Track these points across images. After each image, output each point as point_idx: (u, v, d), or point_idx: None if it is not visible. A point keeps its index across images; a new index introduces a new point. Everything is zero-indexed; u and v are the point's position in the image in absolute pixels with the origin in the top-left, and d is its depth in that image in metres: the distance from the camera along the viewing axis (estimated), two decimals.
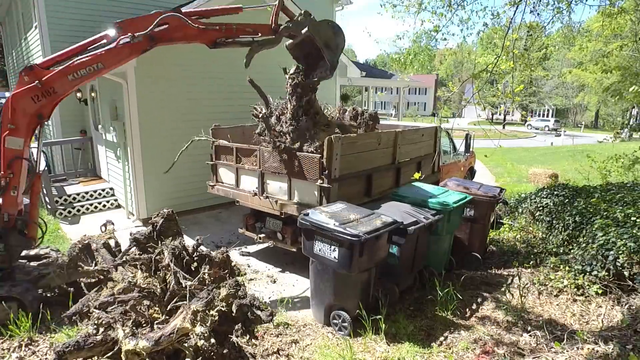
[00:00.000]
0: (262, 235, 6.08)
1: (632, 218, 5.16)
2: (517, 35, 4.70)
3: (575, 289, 4.84)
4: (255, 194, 5.83)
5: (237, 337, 3.38)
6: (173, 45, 6.71)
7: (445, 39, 5.56)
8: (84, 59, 4.18)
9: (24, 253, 4.78)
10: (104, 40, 4.38)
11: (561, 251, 5.83)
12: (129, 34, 4.27)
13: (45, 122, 4.37)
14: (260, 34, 4.94)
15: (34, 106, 4.09)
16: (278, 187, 5.61)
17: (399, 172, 6.41)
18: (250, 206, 6.10)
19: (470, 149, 10.91)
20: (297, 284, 5.59)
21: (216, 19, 4.89)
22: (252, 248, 6.83)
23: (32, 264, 4.73)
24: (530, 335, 4.07)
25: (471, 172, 11.45)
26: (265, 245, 6.91)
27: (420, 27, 5.56)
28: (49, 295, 4.75)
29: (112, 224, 5.76)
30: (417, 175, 4.92)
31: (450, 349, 3.98)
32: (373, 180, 5.82)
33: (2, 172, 4.12)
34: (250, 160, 5.88)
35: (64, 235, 7.26)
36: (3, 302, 4.13)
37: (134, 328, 3.20)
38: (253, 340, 3.79)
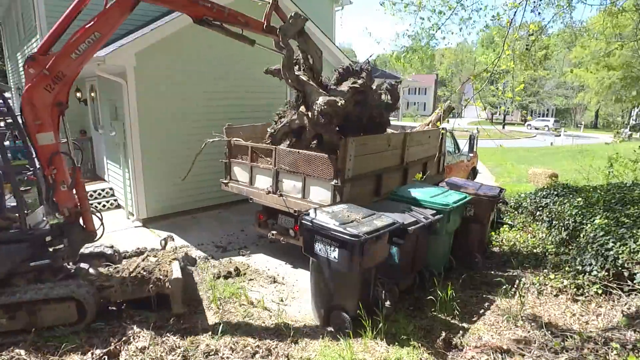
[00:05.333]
0: (274, 232, 6.20)
1: (632, 218, 5.16)
2: (518, 35, 4.69)
3: (575, 289, 4.84)
4: (269, 192, 5.95)
5: None
6: (172, 43, 6.63)
7: (444, 38, 5.67)
8: (79, 34, 4.05)
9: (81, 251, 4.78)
10: (85, 3, 4.18)
11: (561, 251, 5.84)
12: None
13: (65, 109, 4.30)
14: (250, 28, 4.87)
15: (50, 96, 4.00)
16: (292, 185, 5.75)
17: (406, 173, 6.58)
18: (264, 203, 6.23)
19: (474, 150, 10.99)
20: (297, 284, 5.59)
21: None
22: (252, 248, 6.83)
23: (92, 271, 4.64)
24: (529, 335, 4.07)
25: (474, 172, 11.52)
26: (264, 245, 6.93)
27: (420, 26, 5.58)
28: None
29: (173, 239, 5.78)
30: (418, 177, 4.95)
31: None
32: (383, 180, 5.98)
33: (46, 171, 4.10)
34: (265, 159, 6.01)
35: None
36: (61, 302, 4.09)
37: None
38: None
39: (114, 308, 4.55)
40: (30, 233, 4.26)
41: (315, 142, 6.08)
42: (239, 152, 6.44)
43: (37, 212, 4.59)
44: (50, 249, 4.43)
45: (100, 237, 4.65)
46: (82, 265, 4.65)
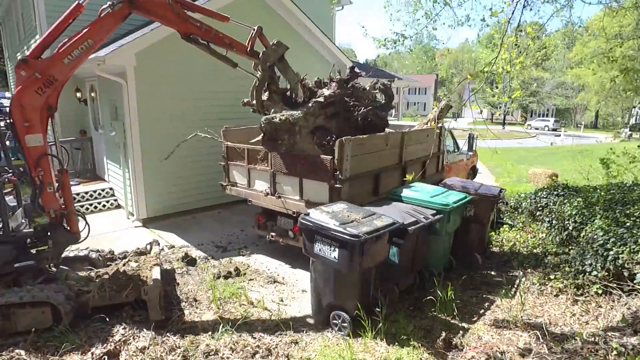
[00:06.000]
0: (273, 234, 6.24)
1: (632, 218, 5.16)
2: (515, 39, 4.66)
3: (575, 289, 4.84)
4: (268, 194, 6.00)
5: None
6: (172, 43, 6.65)
7: (435, 29, 5.65)
8: (72, 41, 4.14)
9: (63, 255, 4.74)
10: (80, 12, 4.28)
11: (561, 251, 5.84)
12: (109, 2, 4.24)
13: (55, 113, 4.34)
14: (234, 50, 5.11)
15: (41, 99, 4.06)
16: (290, 187, 5.78)
17: (404, 172, 6.57)
18: (263, 205, 6.28)
19: (473, 149, 11.05)
20: (297, 284, 5.59)
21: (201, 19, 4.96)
22: (252, 248, 6.83)
23: (72, 275, 4.62)
24: (529, 336, 4.07)
25: (473, 171, 11.61)
26: (264, 245, 6.93)
27: (415, 17, 5.60)
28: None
29: (158, 244, 5.81)
30: (409, 177, 4.98)
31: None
32: (381, 179, 5.99)
33: (33, 173, 4.14)
34: (262, 161, 6.05)
35: None
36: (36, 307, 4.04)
37: None
38: None
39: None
40: (12, 235, 4.25)
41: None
42: (237, 155, 6.44)
43: (17, 214, 4.53)
44: (33, 251, 4.39)
45: (85, 239, 4.64)
46: (63, 268, 4.63)
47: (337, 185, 5.21)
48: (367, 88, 6.36)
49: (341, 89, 6.02)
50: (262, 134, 5.62)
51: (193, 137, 7.71)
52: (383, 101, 6.77)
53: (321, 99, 5.79)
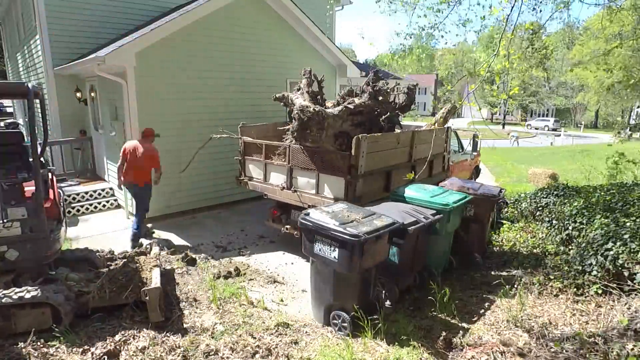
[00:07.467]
0: (288, 227, 6.42)
1: (632, 218, 5.16)
2: (514, 35, 4.66)
3: (575, 289, 4.84)
4: (284, 188, 6.19)
5: None
6: (172, 43, 6.68)
7: (442, 36, 5.73)
8: None
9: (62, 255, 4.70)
10: None
11: (561, 251, 5.84)
12: None
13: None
14: None
15: None
16: (306, 181, 5.97)
17: (414, 170, 6.78)
18: (278, 199, 6.47)
19: (477, 149, 11.17)
20: (297, 284, 5.59)
21: None
22: (252, 248, 6.83)
23: (73, 275, 4.60)
24: (529, 336, 4.07)
25: (476, 171, 11.77)
26: (264, 245, 6.93)
27: (417, 24, 5.65)
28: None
29: (158, 245, 5.83)
30: (410, 176, 5.10)
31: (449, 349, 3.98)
32: (392, 176, 6.18)
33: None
34: (280, 157, 6.24)
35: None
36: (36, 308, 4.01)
37: None
38: None
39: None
40: None
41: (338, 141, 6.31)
42: (253, 150, 6.66)
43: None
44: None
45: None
46: (63, 269, 4.61)
47: (353, 180, 5.39)
48: (390, 90, 6.61)
49: (372, 100, 6.25)
50: (294, 122, 5.81)
51: (194, 137, 7.73)
52: (403, 103, 6.93)
53: (351, 106, 6.02)
